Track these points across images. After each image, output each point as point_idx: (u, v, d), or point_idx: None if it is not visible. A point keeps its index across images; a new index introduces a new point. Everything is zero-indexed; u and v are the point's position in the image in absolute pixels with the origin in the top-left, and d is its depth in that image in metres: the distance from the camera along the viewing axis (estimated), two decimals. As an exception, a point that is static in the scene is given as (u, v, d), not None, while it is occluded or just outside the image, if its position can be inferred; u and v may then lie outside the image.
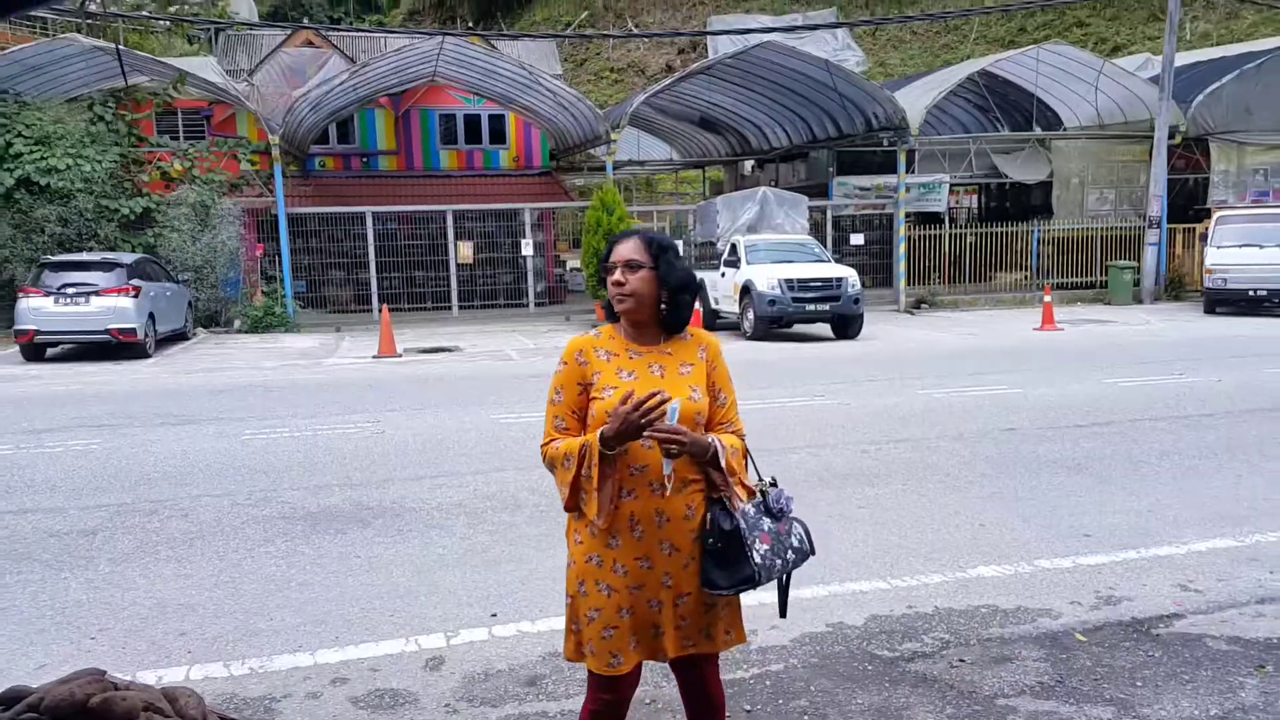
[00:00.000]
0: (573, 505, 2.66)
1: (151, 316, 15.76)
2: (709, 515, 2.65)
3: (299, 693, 3.94)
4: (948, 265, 24.06)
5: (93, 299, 14.88)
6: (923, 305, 22.21)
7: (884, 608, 4.71)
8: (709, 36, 38.02)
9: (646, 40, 41.53)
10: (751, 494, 2.72)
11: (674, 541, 2.65)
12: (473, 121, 26.78)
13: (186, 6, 29.05)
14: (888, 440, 8.34)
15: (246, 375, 13.37)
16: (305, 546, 5.79)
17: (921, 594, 4.88)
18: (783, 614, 2.86)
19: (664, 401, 2.48)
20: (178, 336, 17.80)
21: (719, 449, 2.62)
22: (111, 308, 14.91)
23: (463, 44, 21.97)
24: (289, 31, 28.34)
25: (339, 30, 31.68)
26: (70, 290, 14.89)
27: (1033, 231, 24.18)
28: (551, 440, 2.71)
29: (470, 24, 41.25)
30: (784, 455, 7.79)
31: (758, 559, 2.60)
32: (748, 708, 3.78)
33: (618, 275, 2.67)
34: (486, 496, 6.79)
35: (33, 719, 1.77)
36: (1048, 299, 17.80)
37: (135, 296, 15.18)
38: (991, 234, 24.08)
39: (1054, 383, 11.20)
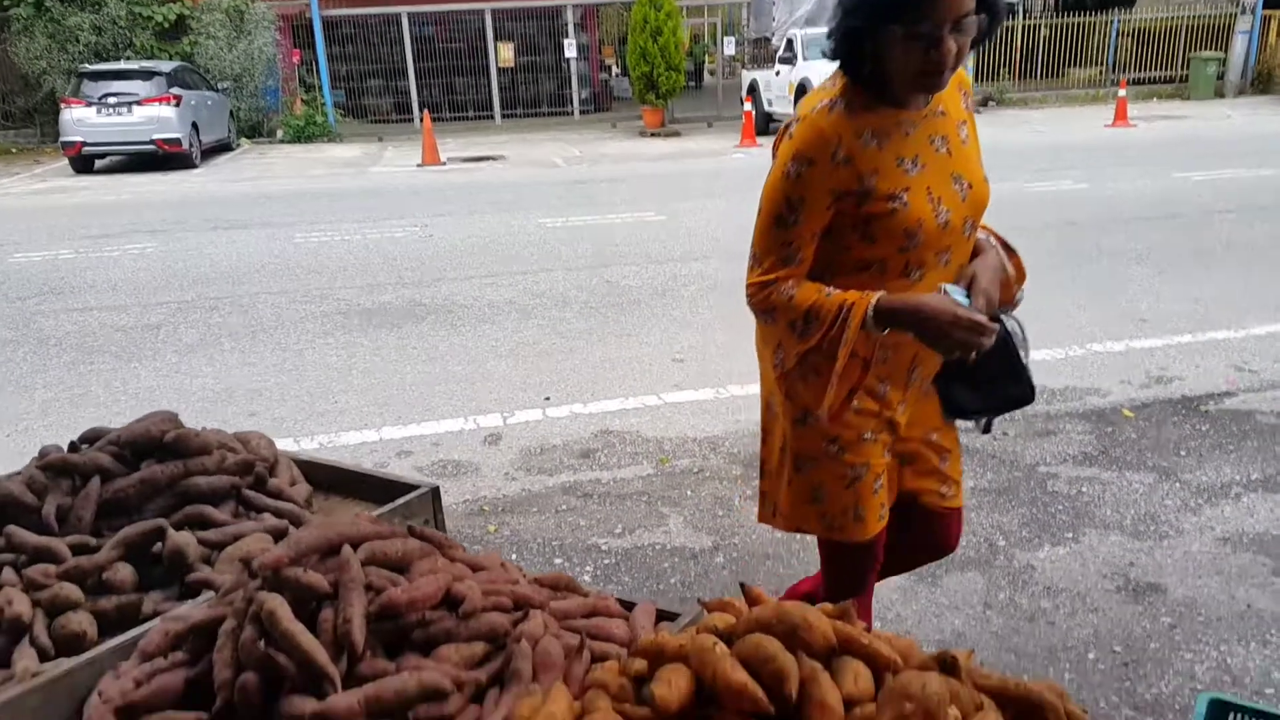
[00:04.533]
0: (795, 375, 1.93)
1: (195, 126, 15.71)
2: None
3: (366, 463, 4.13)
4: (1019, 60, 22.71)
5: (135, 109, 14.81)
6: (990, 103, 21.19)
7: (933, 389, 4.74)
8: None
9: None
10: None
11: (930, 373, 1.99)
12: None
13: None
14: (941, 235, 8.18)
15: (293, 183, 13.39)
16: (363, 339, 5.94)
17: (971, 377, 4.89)
18: (988, 429, 2.16)
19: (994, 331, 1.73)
20: (222, 147, 17.78)
21: (1004, 260, 1.94)
22: (154, 117, 14.86)
23: None
24: None
25: None
26: (112, 100, 14.81)
27: (1112, 22, 22.65)
28: (777, 278, 1.81)
29: None
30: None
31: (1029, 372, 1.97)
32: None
33: (950, 43, 1.64)
34: (535, 294, 6.86)
35: (114, 451, 1.86)
36: (1122, 94, 16.89)
37: (177, 105, 15.09)
38: (1066, 25, 22.62)
39: (1122, 178, 10.79)
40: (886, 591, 2.97)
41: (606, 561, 3.35)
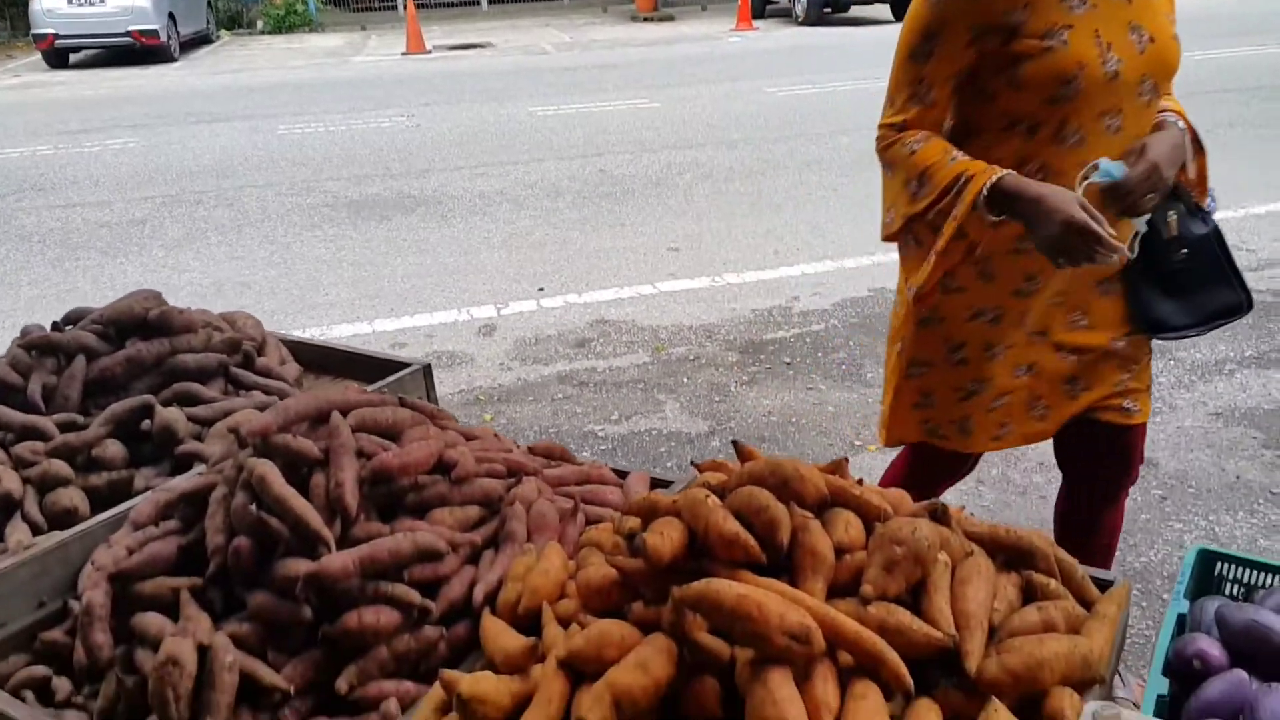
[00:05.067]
0: (900, 239, 1.75)
1: (172, 17, 15.18)
2: (1169, 215, 1.62)
3: (358, 354, 4.12)
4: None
5: (108, -2, 14.31)
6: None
7: (928, 273, 4.71)
8: None
9: None
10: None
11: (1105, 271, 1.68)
12: None
13: None
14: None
15: (275, 74, 13.04)
16: (352, 231, 5.86)
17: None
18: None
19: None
20: (201, 39, 17.24)
21: (1187, 138, 1.64)
22: (129, 7, 14.32)
23: None
24: None
25: None
26: (83, -11, 14.29)
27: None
28: (904, 124, 1.62)
29: None
30: (833, 138, 7.59)
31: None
32: (788, 360, 3.89)
33: None
34: (527, 185, 6.75)
35: (98, 330, 1.83)
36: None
37: (151, -7, 14.56)
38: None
39: (1121, 59, 10.52)
40: (878, 469, 2.99)
41: (603, 447, 3.37)
